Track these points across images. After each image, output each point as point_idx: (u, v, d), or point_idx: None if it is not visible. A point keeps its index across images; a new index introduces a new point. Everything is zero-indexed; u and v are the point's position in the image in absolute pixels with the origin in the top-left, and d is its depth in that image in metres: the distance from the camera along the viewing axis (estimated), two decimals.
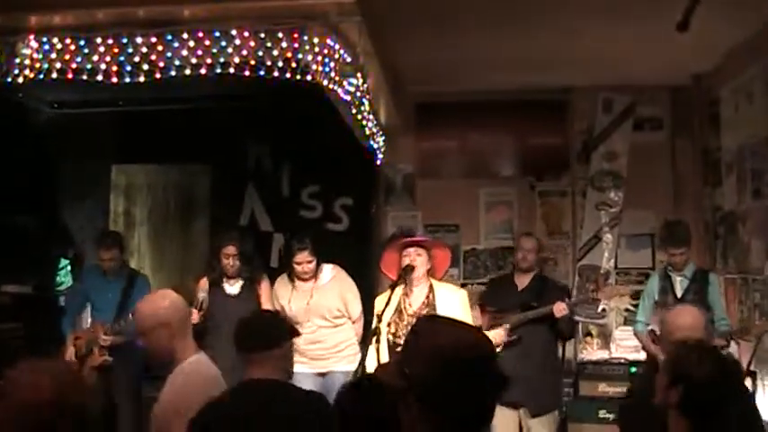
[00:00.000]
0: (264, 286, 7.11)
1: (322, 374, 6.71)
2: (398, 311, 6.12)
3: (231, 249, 6.98)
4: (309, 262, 6.88)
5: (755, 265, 7.26)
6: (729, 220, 7.94)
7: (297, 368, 6.58)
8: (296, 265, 6.90)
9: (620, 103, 8.87)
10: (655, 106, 9.01)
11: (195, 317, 6.64)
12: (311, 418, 3.75)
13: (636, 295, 8.75)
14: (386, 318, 5.91)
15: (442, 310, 6.08)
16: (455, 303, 6.16)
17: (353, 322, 6.99)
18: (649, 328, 7.34)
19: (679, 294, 7.15)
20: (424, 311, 6.10)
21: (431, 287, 6.21)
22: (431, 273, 6.27)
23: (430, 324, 2.44)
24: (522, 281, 7.36)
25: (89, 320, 7.61)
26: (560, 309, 6.92)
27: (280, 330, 4.06)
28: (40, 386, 3.11)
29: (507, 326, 6.90)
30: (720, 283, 7.42)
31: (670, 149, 8.99)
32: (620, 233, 8.86)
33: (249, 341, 3.95)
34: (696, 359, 3.35)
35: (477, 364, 2.20)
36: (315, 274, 6.96)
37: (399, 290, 6.13)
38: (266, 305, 6.98)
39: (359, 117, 6.93)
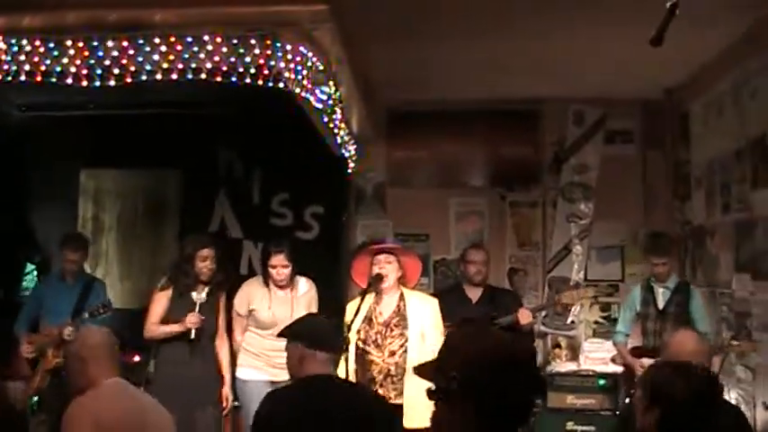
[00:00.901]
0: (223, 296, 6.97)
1: (273, 382, 6.64)
2: (368, 319, 6.09)
3: (208, 252, 6.77)
4: (285, 266, 6.80)
5: (724, 278, 7.29)
6: (698, 233, 7.99)
7: (248, 374, 6.69)
8: (271, 269, 6.80)
9: (592, 116, 8.92)
10: (626, 119, 9.05)
11: (196, 320, 6.55)
12: (376, 418, 3.93)
13: (605, 307, 8.83)
14: (355, 326, 5.88)
15: (413, 318, 6.08)
16: (426, 313, 6.16)
17: None
18: (628, 339, 7.37)
19: (661, 306, 7.18)
20: (395, 320, 6.09)
21: (401, 296, 6.19)
22: (402, 281, 6.26)
23: (472, 329, 2.61)
24: (475, 293, 7.34)
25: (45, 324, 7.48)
26: (525, 316, 6.91)
27: (342, 334, 4.42)
28: None
29: None
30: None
31: (641, 162, 9.05)
32: (590, 245, 8.91)
33: (325, 340, 4.13)
34: (673, 379, 3.29)
35: (521, 364, 2.34)
36: (291, 283, 6.89)
37: (370, 298, 6.10)
38: (223, 314, 6.93)
39: (330, 125, 6.90)
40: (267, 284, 6.92)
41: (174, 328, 6.62)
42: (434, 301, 6.40)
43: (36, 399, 7.33)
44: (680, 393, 3.20)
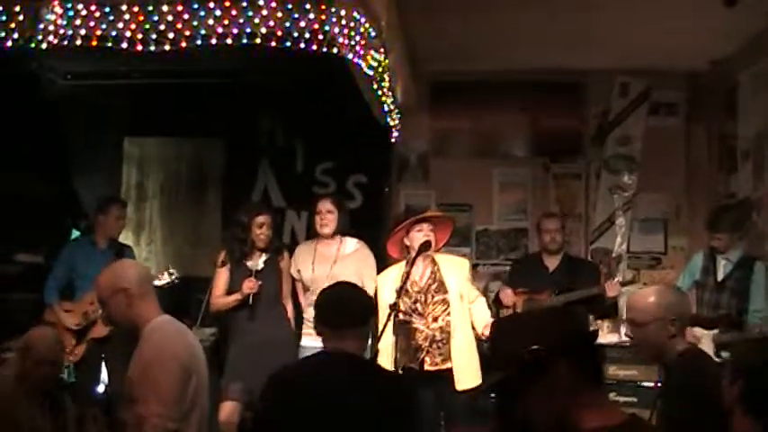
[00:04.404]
0: (286, 258, 6.86)
1: None
2: (404, 290, 6.08)
3: (264, 218, 6.66)
4: (330, 212, 6.70)
5: None
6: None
7: (308, 342, 6.57)
8: (316, 216, 6.73)
9: (637, 87, 8.85)
10: (671, 91, 9.01)
11: (252, 285, 6.44)
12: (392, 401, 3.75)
13: (647, 279, 8.80)
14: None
15: (450, 281, 6.21)
16: (460, 273, 6.31)
17: None
18: None
19: (720, 278, 7.00)
20: (434, 286, 6.22)
21: (433, 260, 6.29)
22: None
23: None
24: (552, 262, 7.36)
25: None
26: (614, 288, 6.90)
27: (370, 307, 4.10)
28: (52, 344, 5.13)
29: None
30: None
31: (685, 135, 9.01)
32: (633, 217, 8.88)
33: (342, 318, 3.83)
34: (752, 350, 3.27)
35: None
36: (338, 241, 6.79)
37: (403, 266, 6.18)
38: (286, 279, 6.83)
39: (379, 93, 6.88)
40: (315, 237, 6.85)
41: (235, 297, 6.55)
42: (465, 261, 6.60)
43: (72, 366, 7.31)
44: (758, 362, 3.15)
